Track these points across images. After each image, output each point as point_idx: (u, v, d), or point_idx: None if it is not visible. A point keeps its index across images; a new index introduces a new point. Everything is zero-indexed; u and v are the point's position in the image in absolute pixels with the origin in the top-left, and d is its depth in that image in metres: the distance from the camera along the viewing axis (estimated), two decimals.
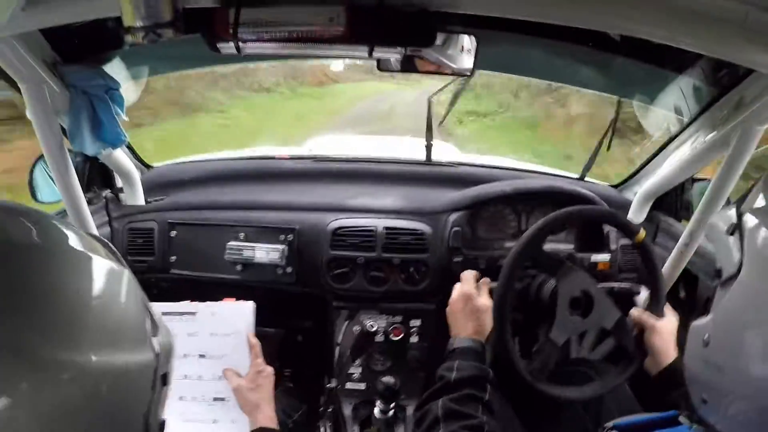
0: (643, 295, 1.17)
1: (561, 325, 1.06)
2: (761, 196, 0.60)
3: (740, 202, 0.63)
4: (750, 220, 0.58)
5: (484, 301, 1.07)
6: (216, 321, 1.10)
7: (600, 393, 1.08)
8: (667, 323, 1.08)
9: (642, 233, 1.09)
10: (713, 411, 0.58)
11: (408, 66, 0.91)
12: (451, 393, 0.91)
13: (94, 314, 0.44)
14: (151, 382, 0.49)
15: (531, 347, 1.14)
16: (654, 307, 1.10)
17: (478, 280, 1.13)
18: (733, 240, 0.59)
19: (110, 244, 0.57)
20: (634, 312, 1.11)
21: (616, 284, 1.21)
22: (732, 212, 0.62)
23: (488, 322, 1.05)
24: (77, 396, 0.39)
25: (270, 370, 1.05)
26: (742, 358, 0.53)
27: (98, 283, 0.46)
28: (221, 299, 1.13)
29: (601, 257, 1.37)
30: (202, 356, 1.08)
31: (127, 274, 0.51)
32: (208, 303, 1.11)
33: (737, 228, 0.59)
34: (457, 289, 1.10)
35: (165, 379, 0.53)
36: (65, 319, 0.41)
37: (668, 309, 1.12)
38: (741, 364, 0.53)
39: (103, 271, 0.47)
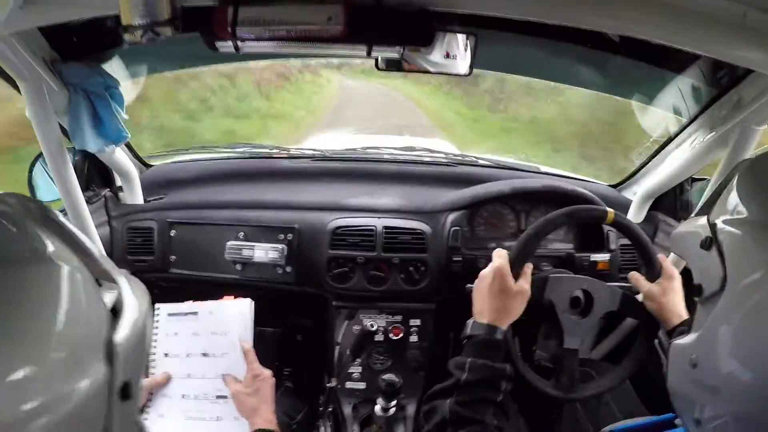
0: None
1: (571, 331, 1.05)
2: (735, 202, 0.57)
3: (707, 209, 0.60)
4: (727, 231, 0.55)
5: (522, 284, 0.95)
6: (215, 319, 1.10)
7: (600, 392, 1.08)
8: (668, 283, 1.03)
9: (610, 212, 1.06)
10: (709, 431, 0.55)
11: (403, 66, 0.91)
12: (461, 395, 0.86)
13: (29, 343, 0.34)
14: (106, 399, 0.38)
15: (531, 347, 1.14)
16: (649, 273, 1.08)
17: (516, 266, 0.99)
18: (710, 255, 0.56)
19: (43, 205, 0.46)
20: (632, 279, 1.09)
21: (615, 284, 1.22)
22: (702, 222, 0.59)
23: (516, 309, 0.94)
24: None
25: (268, 373, 1.05)
26: (739, 377, 0.50)
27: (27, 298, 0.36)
28: (221, 298, 1.14)
29: (601, 257, 1.37)
30: (204, 355, 1.09)
31: (66, 271, 0.39)
32: (208, 302, 1.12)
33: (713, 241, 0.56)
34: (490, 264, 0.98)
35: (126, 392, 0.41)
36: None
37: (668, 268, 1.06)
38: (739, 384, 0.50)
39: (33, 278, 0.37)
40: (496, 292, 0.93)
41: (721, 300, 0.53)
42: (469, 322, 0.94)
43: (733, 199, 0.57)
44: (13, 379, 0.32)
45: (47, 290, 0.37)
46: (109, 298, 0.43)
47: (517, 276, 0.96)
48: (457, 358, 0.90)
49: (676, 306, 1.01)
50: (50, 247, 0.40)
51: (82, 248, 0.44)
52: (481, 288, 0.95)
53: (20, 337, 0.34)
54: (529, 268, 0.99)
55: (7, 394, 0.31)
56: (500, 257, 0.97)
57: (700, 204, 0.62)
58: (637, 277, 1.08)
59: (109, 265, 0.47)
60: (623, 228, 1.08)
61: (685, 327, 0.86)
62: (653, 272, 1.06)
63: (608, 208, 1.07)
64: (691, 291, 0.58)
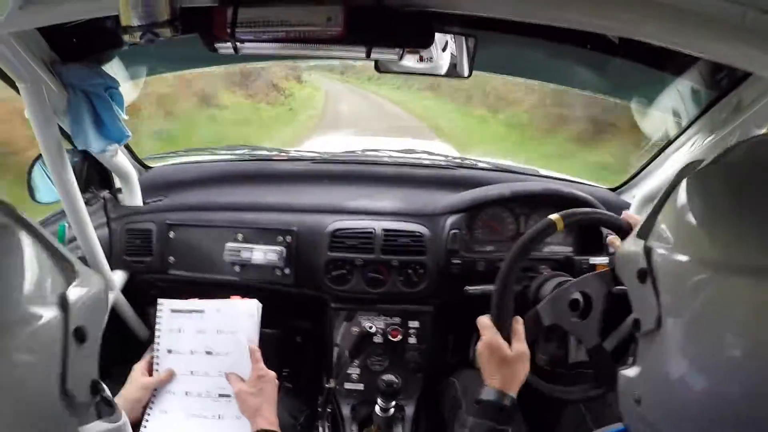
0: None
1: (586, 335, 1.04)
2: (672, 227, 0.51)
3: (646, 230, 0.54)
4: (662, 265, 0.50)
5: (517, 347, 0.94)
6: (222, 318, 1.11)
7: (602, 393, 1.07)
8: None
9: (555, 219, 1.01)
10: None
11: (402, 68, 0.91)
12: None
13: None
14: (61, 339, 0.48)
15: (533, 348, 1.13)
16: (621, 234, 1.05)
17: (502, 329, 0.97)
18: (645, 288, 0.51)
19: None
20: (610, 243, 1.10)
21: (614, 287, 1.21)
22: (638, 249, 0.53)
23: (521, 372, 0.94)
24: None
25: (272, 374, 1.06)
26: (678, 419, 0.49)
27: None
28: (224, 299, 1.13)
29: (600, 260, 1.37)
30: (208, 353, 1.09)
31: (15, 231, 0.49)
32: (215, 300, 1.12)
33: (648, 273, 0.51)
34: (480, 340, 0.97)
35: (80, 334, 0.50)
36: None
37: (634, 220, 1.04)
38: (678, 425, 0.49)
39: None
40: (497, 365, 0.93)
41: (657, 339, 0.50)
42: (484, 388, 0.93)
43: (668, 223, 0.52)
44: None
45: (4, 248, 0.47)
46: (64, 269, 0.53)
47: (509, 338, 0.95)
48: (462, 418, 0.94)
49: None
50: (9, 226, 0.49)
51: (40, 236, 0.52)
52: (483, 362, 0.95)
53: None
54: (518, 323, 0.98)
55: None
56: (485, 330, 0.96)
57: (644, 218, 0.57)
58: (612, 240, 1.08)
59: (67, 252, 0.55)
60: (576, 221, 1.05)
61: None
62: (623, 231, 1.04)
63: (551, 216, 1.02)
64: (623, 342, 0.56)
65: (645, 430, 0.54)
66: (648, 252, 0.52)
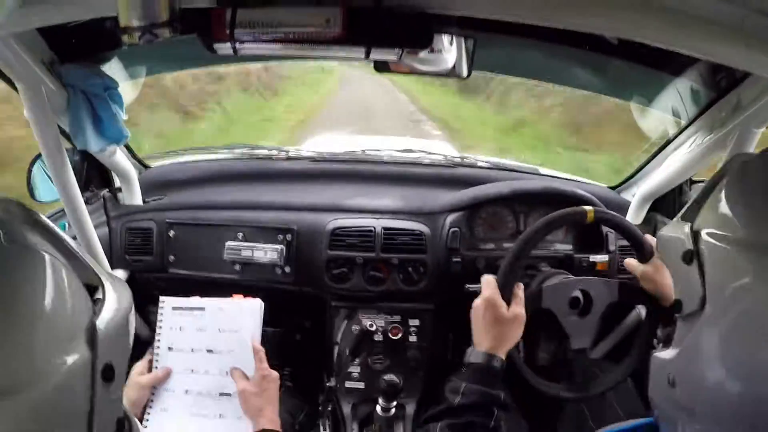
0: None
1: (576, 333, 1.05)
2: (721, 212, 0.51)
3: (692, 214, 0.55)
4: (710, 246, 0.50)
5: (515, 309, 0.95)
6: (224, 317, 1.10)
7: (602, 391, 1.08)
8: (660, 261, 1.02)
9: (590, 210, 1.04)
10: None
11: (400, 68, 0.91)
12: (453, 418, 0.87)
13: (20, 321, 0.39)
14: (89, 383, 0.43)
15: (536, 348, 1.14)
16: (640, 255, 1.08)
17: (505, 291, 0.98)
18: (690, 270, 0.52)
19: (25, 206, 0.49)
20: (627, 265, 1.10)
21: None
22: (686, 230, 0.54)
23: (513, 335, 0.94)
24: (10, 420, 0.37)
25: (275, 375, 1.06)
26: (715, 404, 0.49)
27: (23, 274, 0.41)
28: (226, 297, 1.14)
29: (600, 258, 1.38)
30: (209, 351, 1.09)
31: (48, 259, 0.43)
32: (217, 299, 1.12)
33: (695, 255, 0.52)
34: (480, 295, 0.98)
35: (108, 374, 0.45)
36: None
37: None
38: (714, 412, 0.49)
39: (18, 261, 0.42)
40: (491, 322, 0.94)
41: (699, 321, 0.50)
42: (469, 350, 0.94)
43: (719, 207, 0.52)
44: None
45: (31, 279, 0.42)
46: (91, 290, 0.48)
47: (509, 301, 0.96)
48: (453, 383, 0.90)
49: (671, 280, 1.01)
50: (36, 244, 0.44)
51: (67, 247, 0.47)
52: (476, 319, 0.96)
53: (4, 317, 0.38)
54: (519, 288, 0.99)
55: None
56: (488, 286, 0.97)
57: (689, 203, 0.58)
58: (630, 262, 1.09)
59: (93, 264, 0.51)
60: (606, 221, 1.08)
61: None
62: (644, 254, 1.06)
63: (587, 206, 1.06)
64: (672, 306, 0.56)
65: (677, 415, 0.54)
66: (695, 235, 0.52)
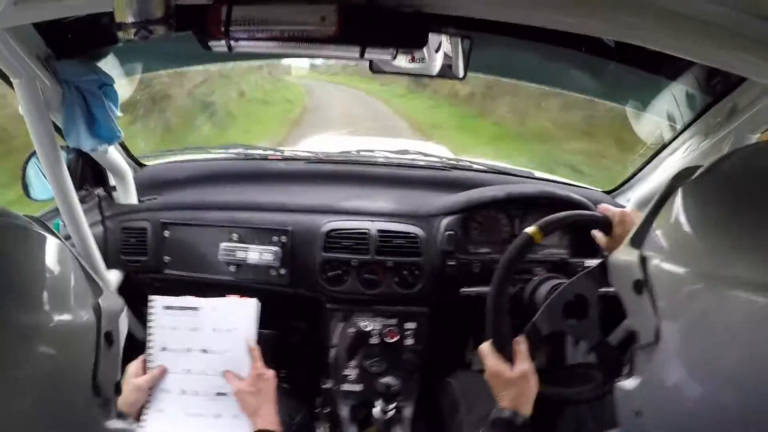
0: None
1: (583, 335, 1.04)
2: (669, 236, 0.49)
3: (638, 240, 0.52)
4: (660, 276, 0.48)
5: (519, 367, 0.95)
6: (218, 316, 1.09)
7: (602, 393, 1.07)
8: (620, 227, 1.02)
9: (532, 231, 1.02)
10: None
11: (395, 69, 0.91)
12: None
13: (41, 282, 0.49)
14: (95, 340, 0.53)
15: (533, 351, 1.13)
16: (602, 230, 1.06)
17: (503, 351, 0.98)
18: (642, 300, 0.50)
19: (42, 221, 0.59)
20: (595, 238, 1.08)
21: (609, 289, 1.21)
22: (634, 258, 0.51)
23: (527, 390, 0.94)
24: (39, 356, 0.45)
25: (271, 373, 1.05)
26: (681, 430, 0.48)
27: (43, 256, 0.51)
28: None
29: (595, 262, 1.37)
30: (204, 351, 1.08)
31: (60, 245, 0.54)
32: (211, 298, 1.11)
33: (644, 285, 0.49)
34: (486, 368, 0.98)
35: (109, 338, 0.56)
36: (24, 288, 0.47)
37: (612, 213, 1.04)
38: None
39: (44, 246, 0.52)
40: (503, 387, 0.94)
41: (656, 353, 0.48)
42: (495, 411, 0.94)
43: (665, 231, 0.50)
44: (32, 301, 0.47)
45: (58, 260, 0.52)
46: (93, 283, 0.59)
47: (512, 358, 0.96)
48: None
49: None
50: (50, 242, 0.53)
51: (75, 254, 0.57)
52: (492, 386, 0.97)
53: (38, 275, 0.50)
54: (518, 343, 0.98)
55: (26, 309, 0.46)
56: (486, 356, 0.98)
57: (636, 226, 0.55)
58: (594, 234, 1.08)
59: (91, 272, 0.60)
60: (553, 229, 1.05)
61: None
62: (604, 227, 1.05)
63: (529, 228, 1.02)
64: (628, 337, 0.55)
65: None
66: (643, 261, 0.50)
